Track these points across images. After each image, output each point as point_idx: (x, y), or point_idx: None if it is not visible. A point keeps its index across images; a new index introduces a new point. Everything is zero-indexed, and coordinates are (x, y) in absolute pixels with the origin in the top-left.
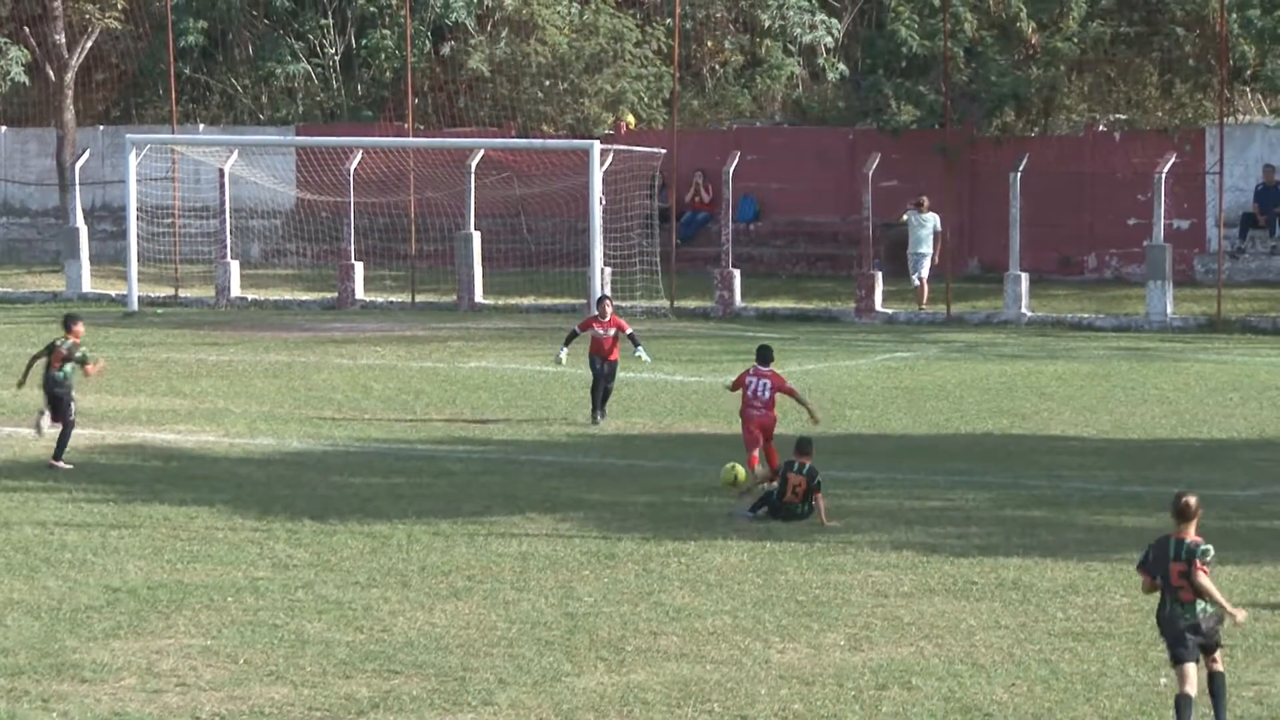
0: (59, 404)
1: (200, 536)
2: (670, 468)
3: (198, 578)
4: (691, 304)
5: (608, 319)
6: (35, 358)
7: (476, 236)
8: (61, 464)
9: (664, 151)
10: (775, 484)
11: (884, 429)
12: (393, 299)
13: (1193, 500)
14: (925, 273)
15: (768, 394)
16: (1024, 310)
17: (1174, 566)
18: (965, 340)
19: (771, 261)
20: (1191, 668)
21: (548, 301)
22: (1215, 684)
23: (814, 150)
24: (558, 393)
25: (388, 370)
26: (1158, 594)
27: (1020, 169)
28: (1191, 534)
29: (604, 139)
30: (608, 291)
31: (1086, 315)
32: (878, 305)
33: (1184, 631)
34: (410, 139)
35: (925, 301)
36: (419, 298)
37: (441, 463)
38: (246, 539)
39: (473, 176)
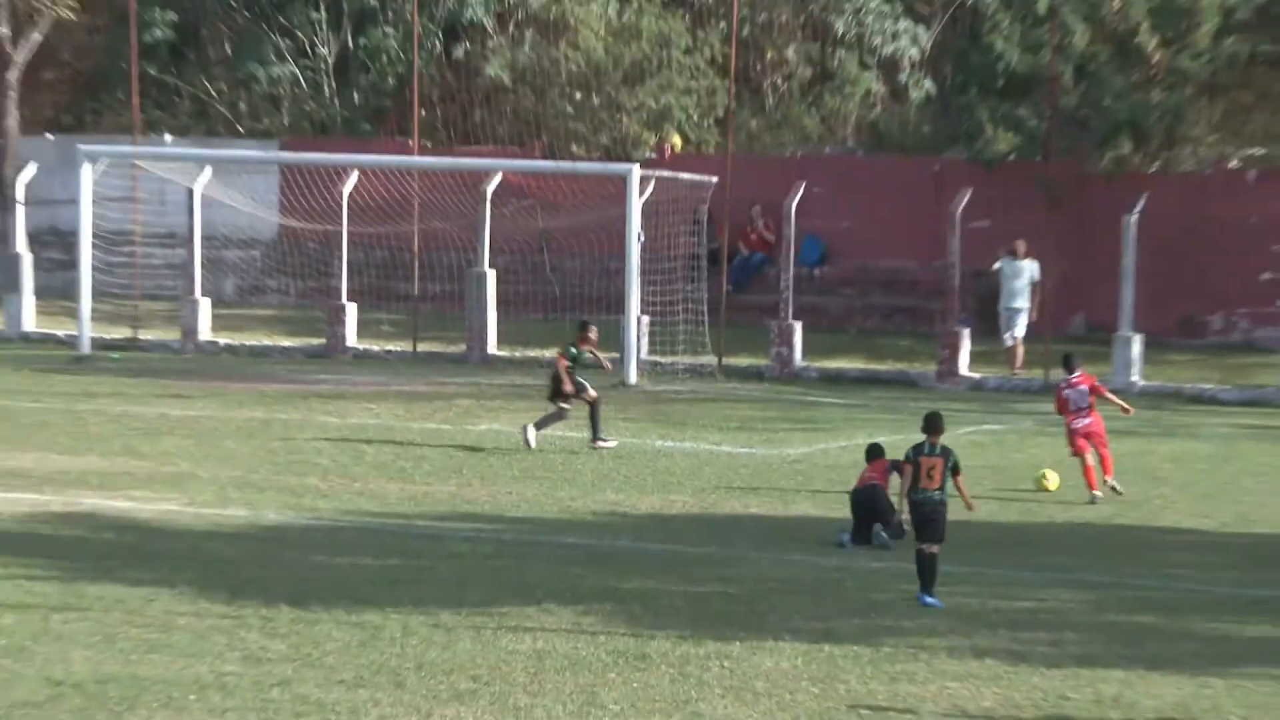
0: None
1: (159, 623)
2: (713, 554)
3: (155, 671)
4: (743, 362)
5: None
6: None
7: (491, 275)
8: None
9: (715, 180)
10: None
11: (967, 515)
12: (391, 347)
13: None
14: (1020, 331)
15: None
16: (1135, 378)
17: None
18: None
19: (839, 314)
20: None
21: None
22: None
23: (892, 183)
24: (583, 463)
25: (383, 431)
26: None
27: (1137, 211)
28: None
29: (645, 163)
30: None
31: (1209, 386)
32: (963, 369)
33: None
34: (415, 158)
35: (1020, 365)
36: (421, 347)
37: (445, 543)
38: (213, 627)
39: (488, 204)
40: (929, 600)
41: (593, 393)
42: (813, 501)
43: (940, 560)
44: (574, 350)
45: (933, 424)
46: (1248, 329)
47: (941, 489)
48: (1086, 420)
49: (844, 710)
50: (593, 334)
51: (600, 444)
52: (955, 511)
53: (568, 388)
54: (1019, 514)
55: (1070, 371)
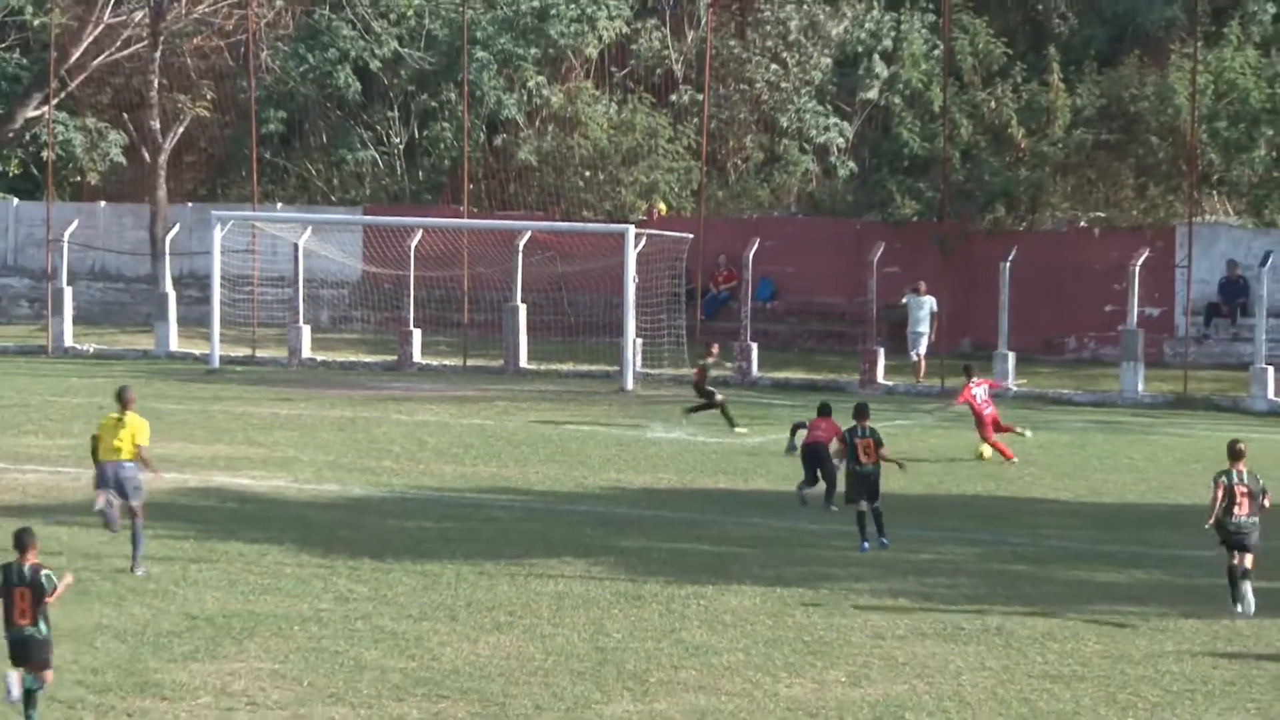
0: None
1: (270, 571)
2: (692, 519)
3: (267, 608)
4: (714, 373)
5: None
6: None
7: (522, 308)
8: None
9: (691, 236)
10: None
11: (883, 489)
12: (446, 362)
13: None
14: (923, 350)
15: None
16: (1010, 385)
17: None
18: (957, 411)
19: (785, 337)
20: None
21: (585, 368)
22: None
23: (825, 238)
24: (593, 449)
25: (441, 426)
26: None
27: (1009, 259)
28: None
29: (638, 224)
30: None
31: (1066, 390)
32: (880, 378)
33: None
34: (465, 220)
35: (922, 375)
36: (470, 362)
37: (487, 510)
38: (312, 574)
39: (520, 255)
40: (882, 543)
41: (720, 396)
42: (767, 478)
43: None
44: (706, 364)
45: (861, 411)
46: (1095, 348)
47: (876, 462)
48: (990, 410)
49: (791, 637)
50: (715, 349)
51: (736, 430)
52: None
53: (706, 390)
54: (923, 488)
55: (969, 377)
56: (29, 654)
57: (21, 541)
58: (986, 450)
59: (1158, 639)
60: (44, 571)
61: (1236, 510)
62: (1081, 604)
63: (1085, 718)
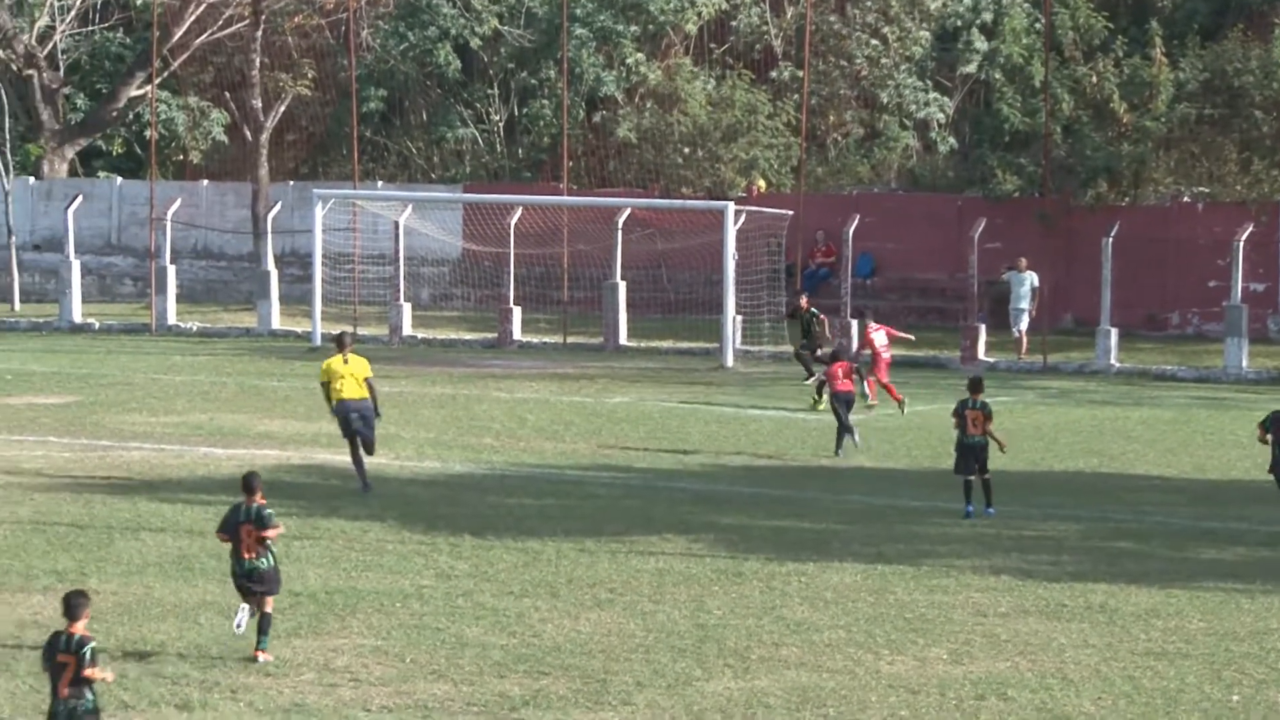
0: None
1: (372, 548)
2: (792, 496)
3: (370, 585)
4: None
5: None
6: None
7: (622, 286)
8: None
9: (791, 213)
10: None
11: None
12: (546, 340)
13: None
14: (1024, 326)
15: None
16: (1113, 361)
17: None
18: (1059, 387)
19: (885, 313)
20: None
21: (685, 345)
22: None
23: (925, 214)
24: (692, 426)
25: (541, 403)
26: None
27: (1112, 235)
28: None
29: (737, 201)
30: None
31: (1170, 367)
32: (980, 354)
33: None
34: (565, 198)
35: (1024, 352)
36: (570, 339)
37: (587, 487)
38: (413, 551)
39: (620, 232)
40: (988, 512)
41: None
42: (868, 455)
43: (959, 497)
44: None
45: (976, 385)
46: (1199, 324)
47: (984, 434)
48: (888, 355)
49: (893, 614)
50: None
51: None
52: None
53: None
54: (1025, 464)
55: (864, 319)
56: (258, 584)
57: (249, 484)
58: (872, 392)
59: (1263, 616)
60: (267, 510)
61: None
62: (1185, 580)
63: (1190, 695)
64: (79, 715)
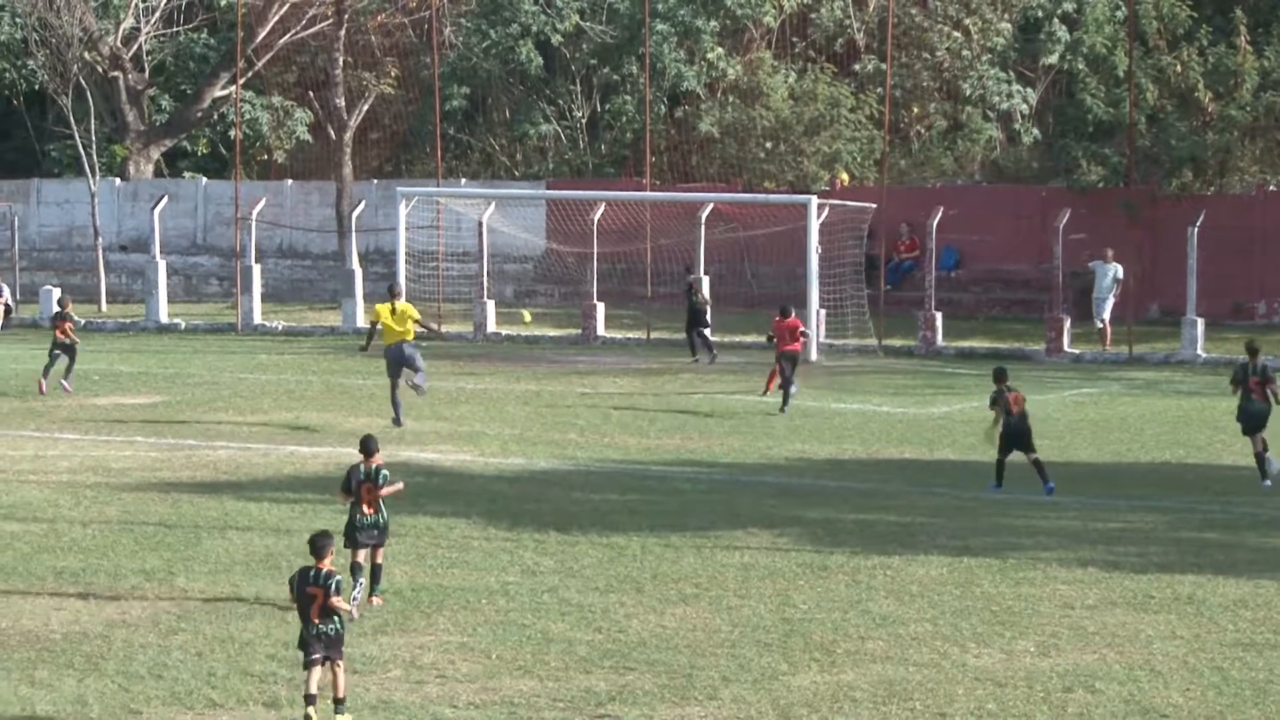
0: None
1: (458, 545)
2: (877, 489)
3: (455, 581)
4: (898, 343)
5: None
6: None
7: (705, 280)
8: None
9: (874, 206)
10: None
11: (1071, 458)
12: (630, 335)
13: None
14: (1107, 316)
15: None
16: (1199, 351)
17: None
18: (1145, 378)
19: (970, 305)
20: None
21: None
22: None
23: (1009, 206)
24: (777, 421)
25: (625, 398)
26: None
27: (1197, 224)
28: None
29: (820, 194)
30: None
31: None
32: (1066, 346)
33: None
34: (648, 193)
35: (1109, 343)
36: (654, 335)
37: (672, 482)
38: (498, 547)
39: (702, 227)
40: (1048, 489)
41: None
42: (952, 449)
43: (1052, 494)
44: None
45: (1001, 374)
46: None
47: (1022, 414)
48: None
49: (979, 607)
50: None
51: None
52: (1060, 453)
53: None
54: (1110, 456)
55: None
56: (374, 538)
57: (367, 447)
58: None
59: None
60: (385, 470)
61: None
62: (1274, 570)
63: (1279, 686)
64: (331, 638)
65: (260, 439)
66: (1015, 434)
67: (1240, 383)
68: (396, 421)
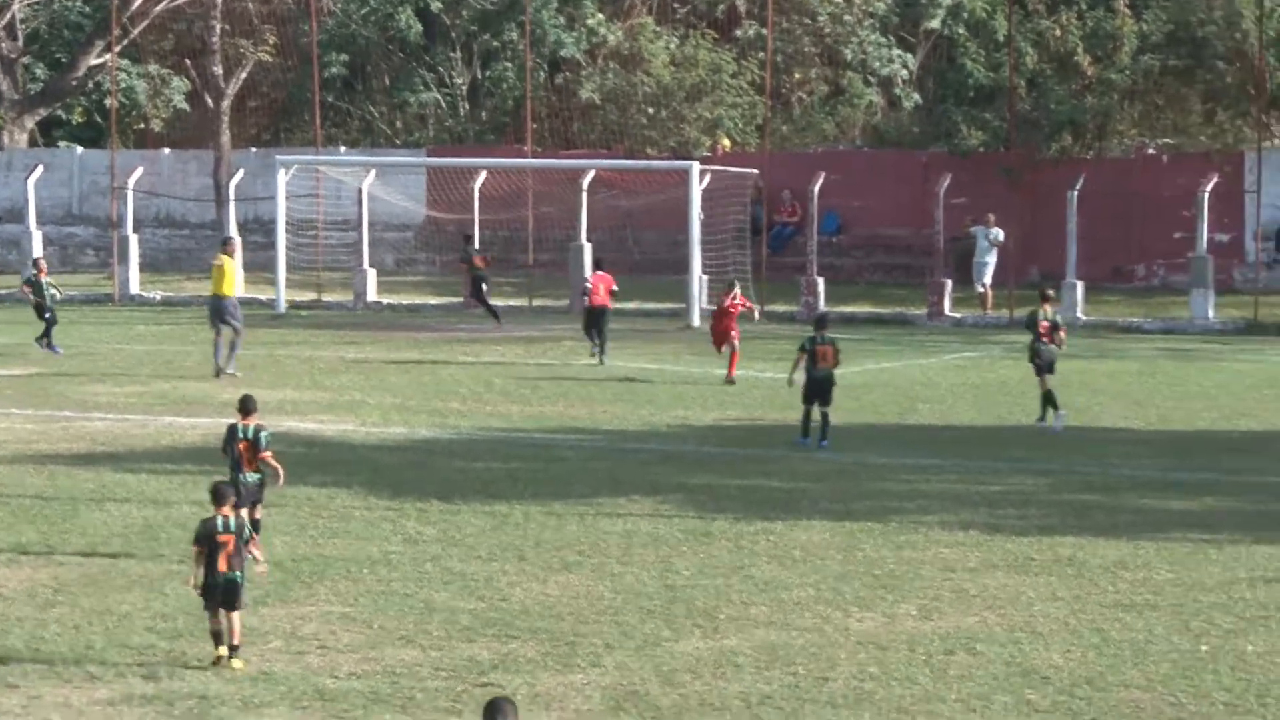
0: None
1: (339, 514)
2: (760, 455)
3: (336, 551)
4: (780, 308)
5: None
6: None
7: (588, 247)
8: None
9: (756, 172)
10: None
11: (952, 421)
12: (512, 303)
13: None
14: (988, 280)
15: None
16: (1079, 314)
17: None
18: (1026, 341)
19: (852, 270)
20: None
21: (651, 305)
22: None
23: (890, 171)
24: (659, 388)
25: (507, 367)
26: None
27: (1077, 188)
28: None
29: (702, 160)
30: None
31: (1135, 319)
32: (947, 310)
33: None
34: (529, 160)
35: (990, 307)
36: (536, 302)
37: (555, 450)
38: (380, 517)
39: (584, 194)
40: (822, 445)
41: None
42: (836, 413)
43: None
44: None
45: (821, 321)
46: (1164, 275)
47: (832, 368)
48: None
49: (861, 571)
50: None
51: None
52: (942, 416)
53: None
54: (992, 419)
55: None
56: (252, 495)
57: (245, 406)
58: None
59: (1231, 566)
60: (264, 432)
61: None
62: (1153, 532)
63: (1159, 646)
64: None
65: (138, 410)
66: (817, 386)
67: (1031, 327)
68: (217, 372)
